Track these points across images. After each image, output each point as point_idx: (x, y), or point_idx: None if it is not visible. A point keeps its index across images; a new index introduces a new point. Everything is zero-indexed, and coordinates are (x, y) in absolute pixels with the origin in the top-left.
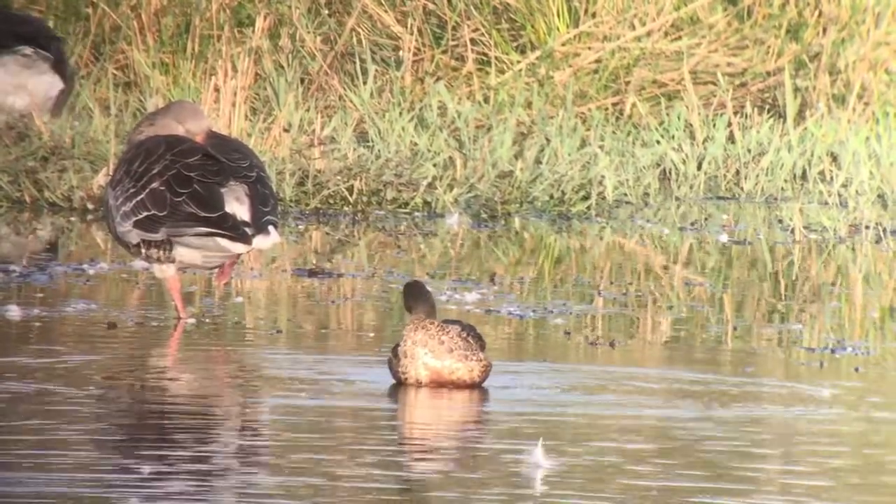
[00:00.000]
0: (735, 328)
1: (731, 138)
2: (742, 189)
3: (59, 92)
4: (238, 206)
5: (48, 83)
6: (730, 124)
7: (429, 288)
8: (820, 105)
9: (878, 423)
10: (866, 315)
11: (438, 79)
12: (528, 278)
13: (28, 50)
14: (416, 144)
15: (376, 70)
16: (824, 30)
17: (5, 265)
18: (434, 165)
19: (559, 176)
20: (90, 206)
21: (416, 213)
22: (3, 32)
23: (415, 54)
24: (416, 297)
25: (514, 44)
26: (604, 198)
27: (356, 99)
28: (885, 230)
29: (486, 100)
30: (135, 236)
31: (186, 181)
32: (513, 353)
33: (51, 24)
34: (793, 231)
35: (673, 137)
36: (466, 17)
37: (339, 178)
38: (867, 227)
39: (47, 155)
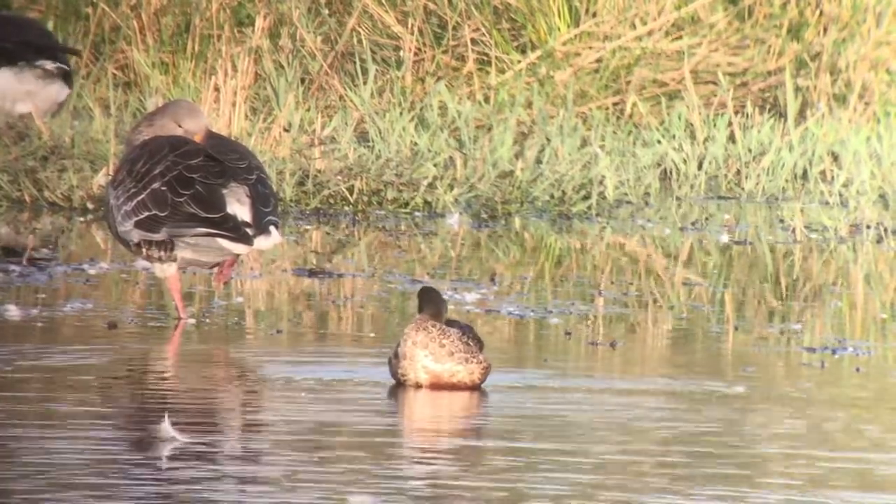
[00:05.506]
0: (736, 328)
1: (731, 138)
2: (743, 189)
3: (66, 97)
4: (239, 208)
5: (57, 91)
6: (730, 124)
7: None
8: (821, 105)
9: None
10: (868, 315)
11: (439, 79)
12: (528, 278)
13: (50, 65)
14: (416, 144)
15: (377, 70)
16: (825, 29)
17: (5, 265)
18: (434, 165)
19: (560, 176)
20: (90, 206)
21: (417, 213)
22: (22, 45)
23: (415, 54)
24: (427, 300)
25: (515, 43)
26: (604, 198)
27: (356, 99)
28: (886, 230)
29: (487, 99)
30: (135, 236)
31: (188, 182)
32: (512, 354)
33: (50, 24)
34: (794, 231)
35: (674, 137)
36: (467, 17)
37: (339, 178)
38: (868, 227)
39: (47, 154)
